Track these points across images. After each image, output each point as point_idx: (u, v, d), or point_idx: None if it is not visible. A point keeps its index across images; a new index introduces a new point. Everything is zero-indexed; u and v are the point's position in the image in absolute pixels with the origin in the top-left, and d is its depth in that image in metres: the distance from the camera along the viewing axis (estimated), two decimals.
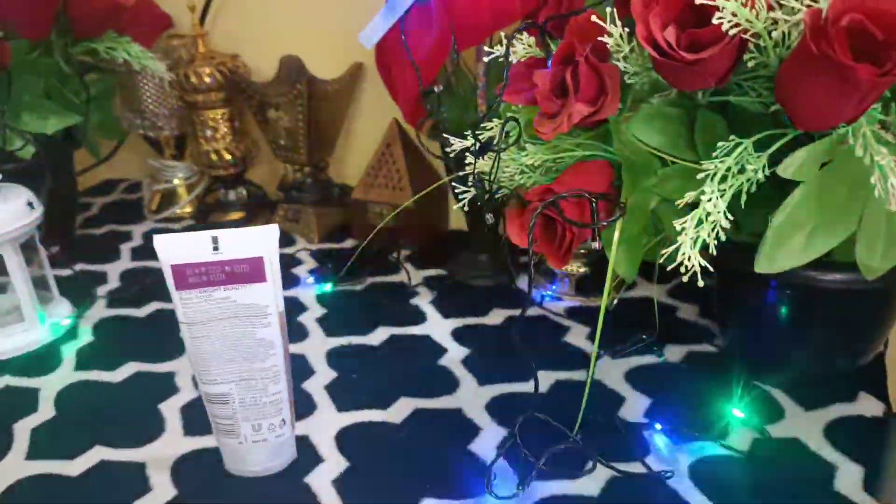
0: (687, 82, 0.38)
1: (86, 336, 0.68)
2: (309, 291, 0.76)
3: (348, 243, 0.87)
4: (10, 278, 0.64)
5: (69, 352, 0.66)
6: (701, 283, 0.35)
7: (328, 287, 0.76)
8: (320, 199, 0.88)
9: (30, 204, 0.64)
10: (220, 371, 0.46)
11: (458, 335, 0.67)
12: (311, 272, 0.80)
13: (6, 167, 0.66)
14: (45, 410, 0.58)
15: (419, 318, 0.70)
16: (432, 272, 0.79)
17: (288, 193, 0.89)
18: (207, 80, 0.81)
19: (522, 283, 0.75)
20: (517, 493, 0.42)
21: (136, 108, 0.89)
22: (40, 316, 0.67)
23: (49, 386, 0.61)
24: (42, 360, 0.64)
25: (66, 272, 0.79)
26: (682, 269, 0.35)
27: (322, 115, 0.84)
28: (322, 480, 0.49)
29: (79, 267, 0.81)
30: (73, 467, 0.51)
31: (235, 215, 0.92)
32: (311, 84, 0.80)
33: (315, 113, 0.82)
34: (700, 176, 0.38)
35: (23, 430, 0.55)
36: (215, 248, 0.43)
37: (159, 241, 0.43)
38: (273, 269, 0.44)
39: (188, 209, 0.95)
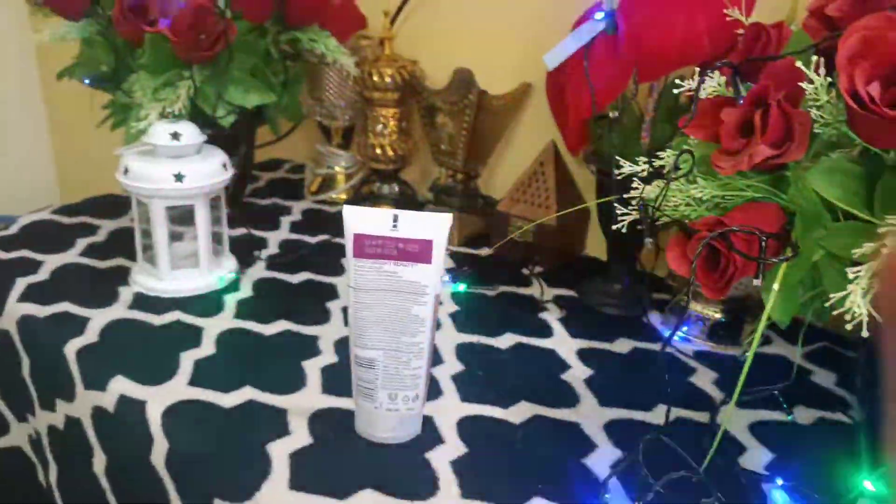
0: (883, 139, 0.38)
1: (246, 290, 0.76)
2: (445, 288, 0.80)
3: (484, 251, 0.91)
4: (196, 228, 0.72)
5: (231, 301, 0.73)
6: (865, 334, 0.36)
7: (462, 287, 0.79)
8: (466, 206, 0.93)
9: (224, 165, 0.72)
10: (372, 337, 0.50)
11: (584, 355, 0.68)
12: (448, 271, 0.84)
13: (207, 131, 0.75)
14: (207, 347, 0.65)
15: (546, 331, 0.72)
16: (563, 292, 0.81)
17: (437, 196, 0.94)
18: (388, 80, 0.88)
19: (653, 318, 0.76)
20: None
21: (317, 96, 0.97)
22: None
23: (212, 327, 0.68)
24: (208, 304, 0.72)
25: (235, 232, 0.87)
26: (848, 318, 0.36)
27: (484, 127, 0.88)
28: (441, 460, 0.52)
29: (245, 230, 0.89)
30: (227, 400, 0.57)
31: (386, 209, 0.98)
32: (481, 96, 0.84)
33: (478, 124, 0.86)
34: (882, 230, 0.38)
35: (188, 360, 0.62)
36: (394, 226, 0.48)
37: (348, 211, 0.48)
38: (439, 253, 0.48)
39: (343, 196, 1.02)
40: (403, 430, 0.54)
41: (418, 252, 0.48)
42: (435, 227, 0.48)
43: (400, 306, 0.49)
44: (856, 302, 0.35)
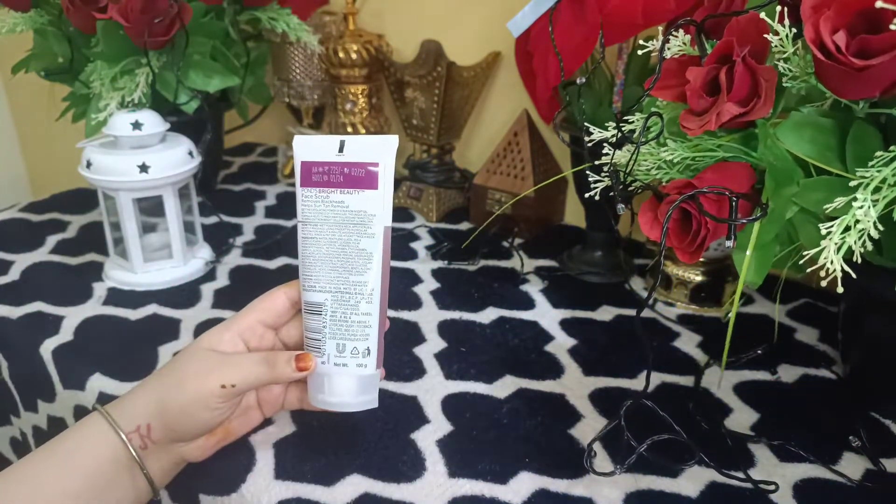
0: (850, 90, 0.37)
1: (222, 279, 0.74)
2: (425, 266, 0.79)
3: (464, 225, 0.90)
4: (166, 219, 0.70)
5: (208, 291, 0.72)
6: (840, 290, 0.35)
7: (443, 263, 0.78)
8: (443, 181, 0.91)
9: (190, 153, 0.70)
10: (320, 277, 0.47)
11: (566, 325, 0.68)
12: (428, 248, 0.83)
13: (172, 119, 0.73)
14: (186, 339, 0.64)
15: (529, 304, 0.71)
16: (544, 262, 0.80)
17: (413, 172, 0.93)
18: (354, 56, 0.86)
19: (634, 283, 0.75)
20: (615, 470, 0.43)
21: (284, 77, 0.95)
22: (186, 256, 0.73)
23: (189, 318, 0.67)
24: (185, 295, 0.71)
25: (208, 220, 0.86)
26: (823, 274, 0.35)
27: (455, 100, 0.86)
28: (427, 440, 0.52)
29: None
30: None
31: None
32: (450, 68, 0.83)
33: (449, 96, 0.85)
34: (853, 184, 0.37)
35: (166, 353, 0.61)
36: (340, 151, 0.45)
37: (298, 140, 0.47)
38: (386, 178, 0.45)
39: None
40: (356, 397, 0.47)
41: (364, 177, 0.45)
42: (381, 148, 0.45)
43: (347, 241, 0.46)
44: (829, 258, 0.34)
